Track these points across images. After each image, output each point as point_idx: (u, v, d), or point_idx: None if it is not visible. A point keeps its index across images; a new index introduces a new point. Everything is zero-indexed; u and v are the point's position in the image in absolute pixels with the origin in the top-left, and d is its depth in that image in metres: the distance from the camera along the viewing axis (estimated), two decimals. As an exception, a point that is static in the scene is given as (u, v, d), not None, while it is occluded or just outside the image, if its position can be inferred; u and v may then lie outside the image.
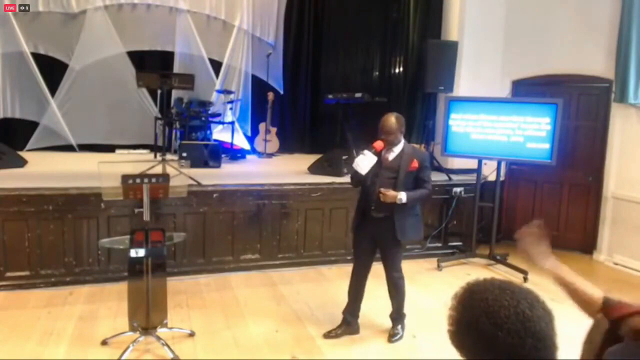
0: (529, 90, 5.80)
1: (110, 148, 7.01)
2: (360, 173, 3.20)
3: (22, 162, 5.51)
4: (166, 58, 7.42)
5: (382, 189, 3.23)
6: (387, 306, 4.11)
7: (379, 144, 3.24)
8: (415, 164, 3.34)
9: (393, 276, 3.47)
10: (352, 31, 7.44)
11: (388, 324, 3.61)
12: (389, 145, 3.31)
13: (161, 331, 3.22)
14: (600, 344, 1.27)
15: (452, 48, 5.67)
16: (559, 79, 5.67)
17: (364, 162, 3.20)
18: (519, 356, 0.99)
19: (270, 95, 7.36)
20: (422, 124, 6.00)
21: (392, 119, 3.28)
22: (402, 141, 3.39)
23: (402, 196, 3.23)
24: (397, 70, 6.46)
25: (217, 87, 7.58)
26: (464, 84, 5.78)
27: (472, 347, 1.05)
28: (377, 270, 3.97)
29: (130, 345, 3.08)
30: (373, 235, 3.41)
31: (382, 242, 3.42)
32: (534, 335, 1.00)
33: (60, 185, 4.28)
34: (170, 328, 3.35)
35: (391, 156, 3.36)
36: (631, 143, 5.25)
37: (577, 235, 5.74)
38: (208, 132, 7.03)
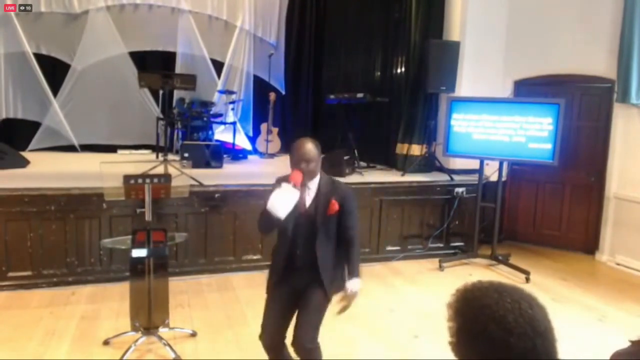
0: (531, 90, 5.79)
1: (112, 148, 7.03)
2: (276, 216, 2.33)
3: (24, 163, 5.52)
4: (168, 58, 7.44)
5: (343, 303, 2.43)
6: (385, 305, 4.11)
7: (297, 177, 2.39)
8: (335, 205, 2.50)
9: (311, 346, 2.48)
10: (354, 31, 7.43)
11: (388, 323, 3.60)
12: (308, 177, 2.48)
13: (163, 331, 3.23)
14: None
15: (454, 48, 5.66)
16: (561, 79, 5.66)
17: (283, 199, 2.34)
18: (530, 358, 0.98)
19: (272, 96, 7.37)
20: (424, 124, 5.98)
21: (310, 144, 2.50)
22: (320, 172, 2.58)
23: (355, 285, 2.43)
24: (398, 70, 6.45)
25: (219, 87, 7.59)
26: (466, 84, 5.77)
27: (481, 356, 1.01)
28: (376, 270, 3.98)
29: (132, 345, 3.08)
30: (296, 287, 2.57)
31: (305, 296, 2.55)
32: (541, 334, 0.99)
33: (63, 185, 4.29)
34: (172, 328, 3.36)
35: (309, 195, 2.54)
36: (633, 143, 5.24)
37: (579, 236, 5.73)
38: (210, 132, 7.04)
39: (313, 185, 2.54)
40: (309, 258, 2.51)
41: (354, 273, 2.47)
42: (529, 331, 0.98)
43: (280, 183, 2.40)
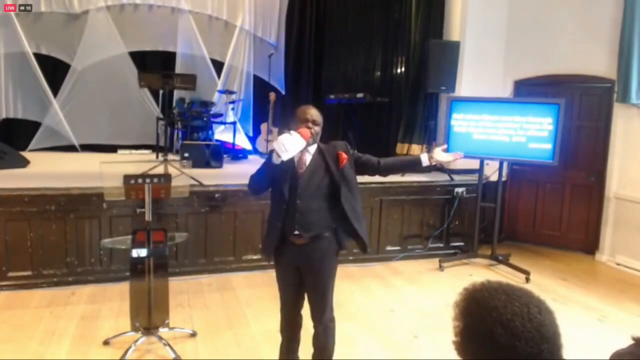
0: (531, 90, 5.79)
1: (112, 148, 7.03)
2: (280, 159, 2.37)
3: (24, 162, 5.52)
4: (168, 58, 7.45)
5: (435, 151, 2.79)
6: (385, 305, 4.11)
7: (305, 132, 2.45)
8: (343, 155, 2.58)
9: (322, 320, 2.65)
10: (354, 31, 7.44)
11: (388, 323, 3.60)
12: (312, 139, 2.54)
13: (163, 331, 3.23)
14: None
15: (454, 48, 5.66)
16: (561, 79, 5.66)
17: (290, 142, 2.36)
18: None
19: (272, 96, 7.36)
20: (424, 124, 5.99)
21: (315, 109, 2.63)
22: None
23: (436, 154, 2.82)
24: (398, 70, 6.46)
25: (219, 87, 7.59)
26: (466, 84, 5.77)
27: (486, 356, 1.00)
28: (376, 270, 3.98)
29: (132, 345, 3.08)
30: (297, 264, 2.61)
31: (309, 270, 2.60)
32: (549, 340, 0.98)
33: (63, 185, 4.29)
34: (172, 328, 3.35)
35: (308, 159, 2.57)
36: (633, 143, 5.24)
37: (580, 236, 5.73)
38: (210, 132, 7.04)
39: (312, 149, 2.59)
40: (307, 220, 2.50)
41: (420, 155, 2.88)
42: (536, 336, 0.97)
43: (290, 131, 2.43)
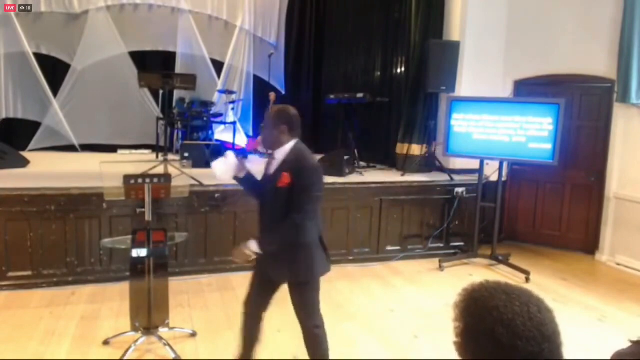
0: (531, 90, 5.79)
1: (112, 148, 7.03)
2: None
3: (24, 162, 5.52)
4: (168, 58, 7.45)
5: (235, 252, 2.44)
6: (385, 305, 4.12)
7: (251, 143, 2.49)
8: (285, 178, 2.35)
9: (306, 326, 2.58)
10: (354, 31, 7.44)
11: (388, 323, 3.60)
12: (265, 144, 2.50)
13: (163, 331, 3.22)
14: None
15: (454, 48, 5.66)
16: (561, 79, 5.66)
17: (218, 169, 2.46)
18: None
19: (272, 96, 7.36)
20: (424, 124, 5.99)
21: (274, 109, 2.53)
22: (292, 143, 2.46)
23: (252, 246, 2.37)
24: (398, 70, 6.46)
25: (219, 87, 7.60)
26: (466, 84, 5.77)
27: (487, 356, 1.00)
28: (376, 270, 3.96)
29: (132, 345, 3.08)
30: (268, 273, 2.57)
31: (279, 283, 2.59)
32: (549, 339, 0.98)
33: (63, 185, 4.29)
34: (172, 328, 3.35)
35: (274, 165, 2.48)
36: (633, 143, 5.24)
37: (579, 236, 5.73)
38: (210, 132, 7.04)
39: (280, 155, 2.46)
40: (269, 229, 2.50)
41: (262, 240, 2.39)
42: (537, 336, 0.97)
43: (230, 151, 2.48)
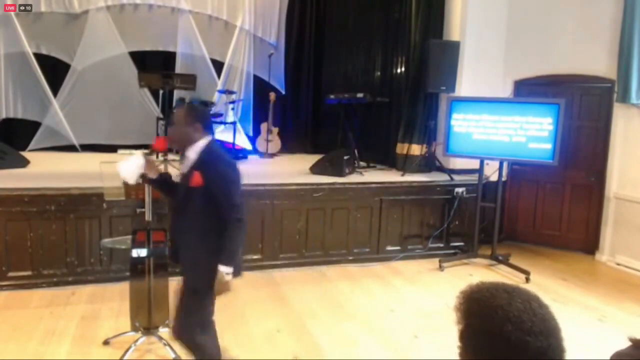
0: (531, 90, 5.79)
1: (112, 148, 7.02)
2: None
3: (24, 162, 5.52)
4: (168, 58, 7.44)
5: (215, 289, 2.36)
6: (385, 305, 4.12)
7: (159, 142, 2.49)
8: (197, 177, 2.29)
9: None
10: (354, 31, 7.44)
11: (388, 323, 3.60)
12: (176, 143, 2.44)
13: (163, 331, 3.22)
14: None
15: (454, 48, 5.66)
16: (561, 79, 5.66)
17: (124, 170, 2.44)
18: (545, 358, 0.97)
19: (272, 96, 7.37)
20: (424, 124, 5.98)
21: (179, 108, 2.48)
22: (205, 140, 2.39)
23: (226, 270, 2.31)
24: (398, 70, 6.45)
25: (219, 87, 7.59)
26: (466, 84, 5.77)
27: (495, 356, 0.99)
28: (376, 270, 3.96)
29: (132, 345, 3.08)
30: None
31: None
32: (553, 332, 0.99)
33: (62, 185, 4.29)
34: (172, 328, 3.35)
35: (186, 164, 2.42)
36: (633, 143, 5.24)
37: (579, 236, 5.73)
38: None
39: (192, 153, 2.37)
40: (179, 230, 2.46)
41: (222, 260, 2.28)
42: (544, 330, 0.98)
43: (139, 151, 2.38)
